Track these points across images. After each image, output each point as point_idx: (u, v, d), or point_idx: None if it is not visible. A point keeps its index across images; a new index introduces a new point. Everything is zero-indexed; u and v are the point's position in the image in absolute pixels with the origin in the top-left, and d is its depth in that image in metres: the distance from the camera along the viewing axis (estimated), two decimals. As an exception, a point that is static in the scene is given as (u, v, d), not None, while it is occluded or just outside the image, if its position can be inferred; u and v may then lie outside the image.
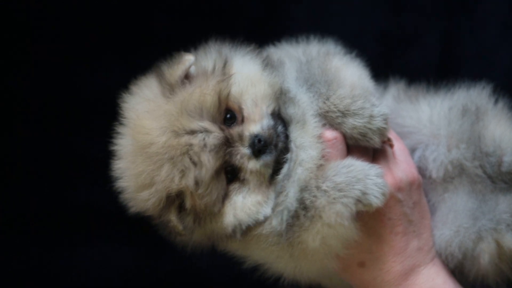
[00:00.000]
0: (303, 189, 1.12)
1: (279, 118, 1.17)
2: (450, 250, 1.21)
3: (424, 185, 1.26)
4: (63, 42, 1.87)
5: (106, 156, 1.23)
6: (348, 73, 1.21)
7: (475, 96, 1.29)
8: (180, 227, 1.15)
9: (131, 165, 1.16)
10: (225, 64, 1.18)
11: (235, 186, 1.16)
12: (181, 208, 1.15)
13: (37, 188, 1.95)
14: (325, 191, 1.10)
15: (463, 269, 1.22)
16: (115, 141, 1.20)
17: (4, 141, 1.91)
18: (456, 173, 1.25)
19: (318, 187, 1.11)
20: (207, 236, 1.18)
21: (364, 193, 1.09)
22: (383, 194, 1.10)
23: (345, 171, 1.11)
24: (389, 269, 1.19)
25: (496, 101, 1.30)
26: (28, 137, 1.93)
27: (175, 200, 1.14)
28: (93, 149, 1.85)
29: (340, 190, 1.10)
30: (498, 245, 1.20)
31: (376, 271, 1.19)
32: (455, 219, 1.22)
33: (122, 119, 1.19)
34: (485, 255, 1.20)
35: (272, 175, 1.15)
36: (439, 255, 1.23)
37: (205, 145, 1.10)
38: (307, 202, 1.11)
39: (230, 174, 1.15)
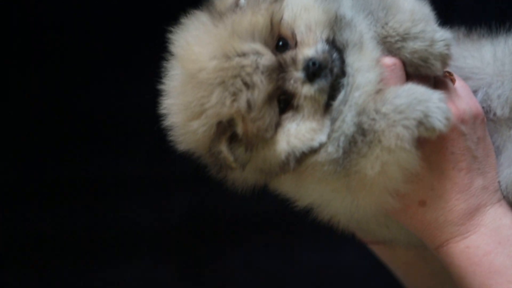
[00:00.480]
0: (361, 112, 1.06)
1: (334, 46, 1.11)
2: None
3: (488, 127, 1.18)
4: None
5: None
6: (407, 0, 1.16)
7: None
8: (230, 158, 1.09)
9: (180, 97, 1.11)
10: None
11: (288, 115, 1.10)
12: (232, 140, 1.10)
13: (82, 208, 1.95)
14: (385, 113, 1.04)
15: None
16: (163, 79, 1.16)
17: (49, 164, 1.91)
18: None
19: (377, 110, 1.05)
20: (260, 169, 1.12)
21: (426, 115, 1.03)
22: (447, 119, 1.03)
23: (406, 94, 1.05)
24: (452, 207, 1.11)
25: None
26: (72, 158, 1.93)
27: (226, 129, 1.09)
28: (135, 169, 1.84)
29: (400, 112, 1.03)
30: None
31: (438, 209, 1.11)
32: None
33: (170, 52, 1.15)
34: None
35: (327, 104, 1.09)
36: (506, 197, 1.14)
37: (257, 67, 1.05)
38: (365, 126, 1.05)
39: (283, 103, 1.10)
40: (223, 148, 1.09)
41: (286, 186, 1.16)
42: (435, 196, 1.11)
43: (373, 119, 1.04)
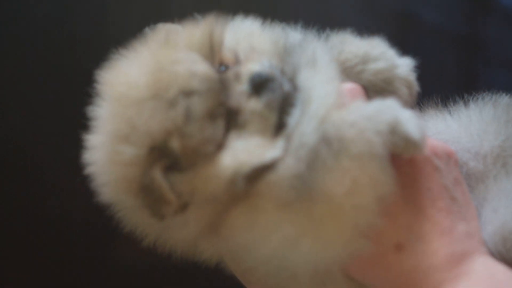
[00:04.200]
0: (324, 121, 0.88)
1: (283, 74, 0.95)
2: (509, 230, 0.94)
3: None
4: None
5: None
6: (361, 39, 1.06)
7: (502, 101, 1.13)
8: (165, 186, 0.88)
9: (107, 126, 0.94)
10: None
11: (232, 135, 0.91)
12: (168, 170, 0.90)
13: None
14: (353, 121, 0.87)
15: None
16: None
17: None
18: (499, 162, 1.03)
19: (343, 119, 0.88)
20: (203, 201, 0.89)
21: (398, 122, 0.87)
22: (421, 131, 0.87)
23: (375, 104, 0.90)
24: (435, 250, 0.90)
25: None
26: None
27: (161, 155, 0.89)
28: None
29: (370, 119, 0.87)
30: None
31: (418, 254, 0.90)
32: (509, 203, 0.97)
33: (98, 88, 0.98)
34: None
35: (279, 125, 0.91)
36: (495, 252, 0.95)
37: (194, 73, 0.90)
38: (330, 134, 0.87)
39: (227, 122, 0.92)
40: (156, 174, 0.89)
41: (238, 228, 0.91)
42: (413, 239, 0.91)
43: (339, 127, 0.87)
